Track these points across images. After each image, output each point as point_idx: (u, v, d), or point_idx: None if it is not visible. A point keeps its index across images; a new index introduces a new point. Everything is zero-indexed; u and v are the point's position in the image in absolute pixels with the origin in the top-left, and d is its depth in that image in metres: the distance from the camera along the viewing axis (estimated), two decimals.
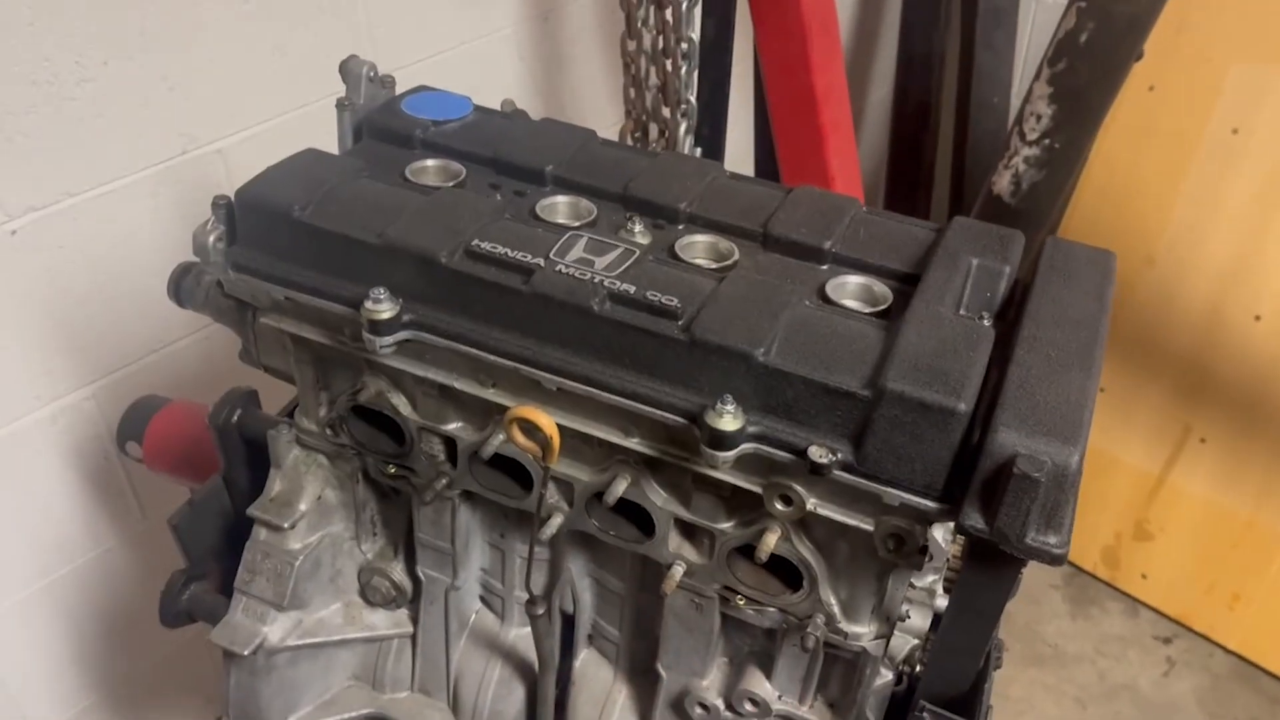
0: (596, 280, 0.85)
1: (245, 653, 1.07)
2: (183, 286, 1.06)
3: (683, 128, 1.69)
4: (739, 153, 2.22)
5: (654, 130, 1.75)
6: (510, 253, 0.87)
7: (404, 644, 1.17)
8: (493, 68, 1.95)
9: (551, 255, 0.87)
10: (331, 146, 1.06)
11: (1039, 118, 1.60)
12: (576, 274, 0.85)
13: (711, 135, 1.79)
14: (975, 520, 0.74)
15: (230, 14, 1.51)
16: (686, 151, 1.73)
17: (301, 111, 1.67)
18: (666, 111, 1.71)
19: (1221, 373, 2.45)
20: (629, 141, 1.79)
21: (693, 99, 1.68)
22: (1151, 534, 2.65)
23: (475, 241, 0.87)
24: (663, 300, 0.83)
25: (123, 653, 1.79)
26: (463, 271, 0.87)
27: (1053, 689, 2.49)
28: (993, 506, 0.73)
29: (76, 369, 1.55)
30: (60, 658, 1.72)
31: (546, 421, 0.81)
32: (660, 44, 1.68)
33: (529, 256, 0.86)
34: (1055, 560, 0.73)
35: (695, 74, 1.67)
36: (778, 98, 1.76)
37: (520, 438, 0.84)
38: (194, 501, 1.13)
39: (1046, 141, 1.61)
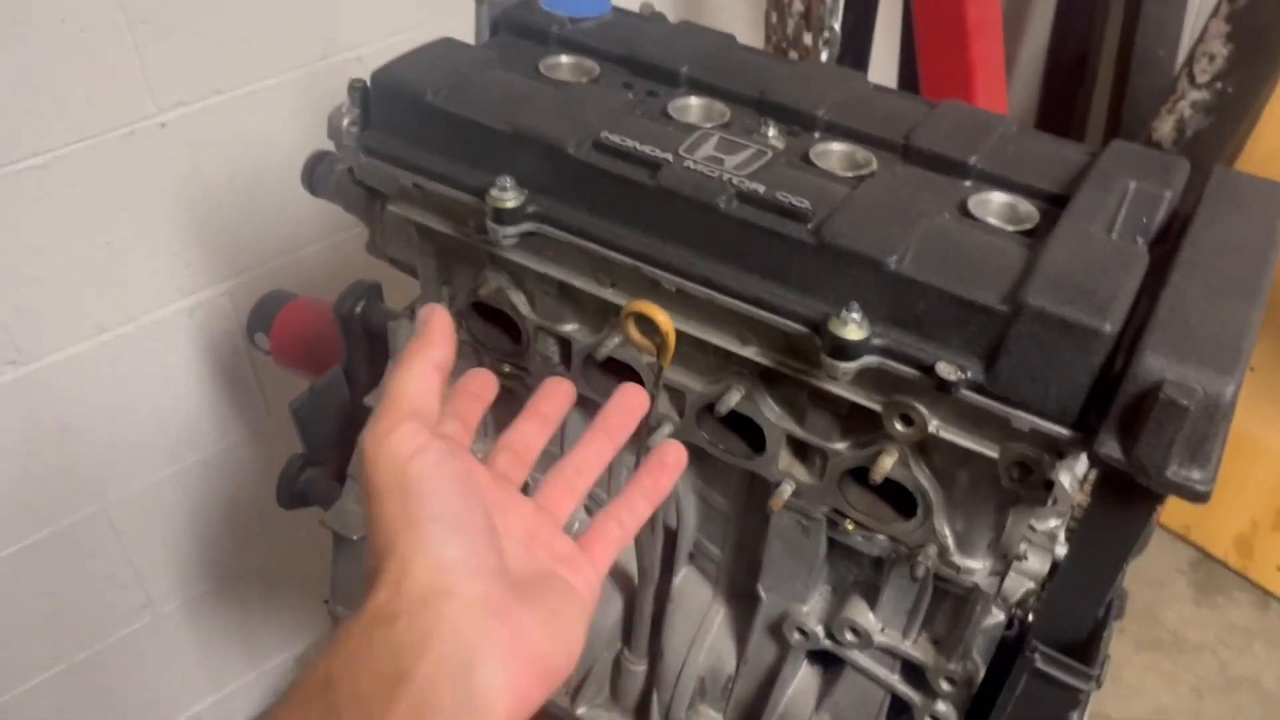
0: (725, 178, 0.82)
1: (355, 537, 1.09)
2: (316, 173, 1.07)
3: (824, 56, 1.63)
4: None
5: (794, 58, 1.70)
6: (639, 146, 0.84)
7: None
8: None
9: (680, 151, 0.85)
10: None
11: (1212, 58, 1.49)
12: (705, 170, 0.83)
13: (855, 67, 1.72)
14: (1111, 449, 0.69)
15: None
16: None
17: (439, 23, 1.67)
18: (808, 38, 1.65)
19: None
20: None
21: (837, 26, 1.61)
22: None
23: (604, 134, 0.86)
24: (793, 202, 0.80)
25: (241, 545, 1.87)
26: (589, 163, 0.85)
27: (1169, 675, 2.38)
28: (1133, 435, 0.68)
29: (215, 264, 1.60)
30: (184, 542, 1.81)
31: (663, 318, 0.79)
32: None
33: (657, 151, 0.84)
34: (1198, 497, 0.67)
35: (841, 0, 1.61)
36: (926, 26, 1.68)
37: (636, 334, 0.82)
38: (315, 388, 1.16)
39: (1218, 85, 1.49)
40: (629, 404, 0.72)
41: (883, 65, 2.02)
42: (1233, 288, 0.73)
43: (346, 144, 0.96)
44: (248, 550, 1.90)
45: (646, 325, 0.81)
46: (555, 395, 0.73)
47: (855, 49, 1.68)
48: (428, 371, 0.61)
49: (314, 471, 1.19)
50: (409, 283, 1.11)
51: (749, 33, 1.93)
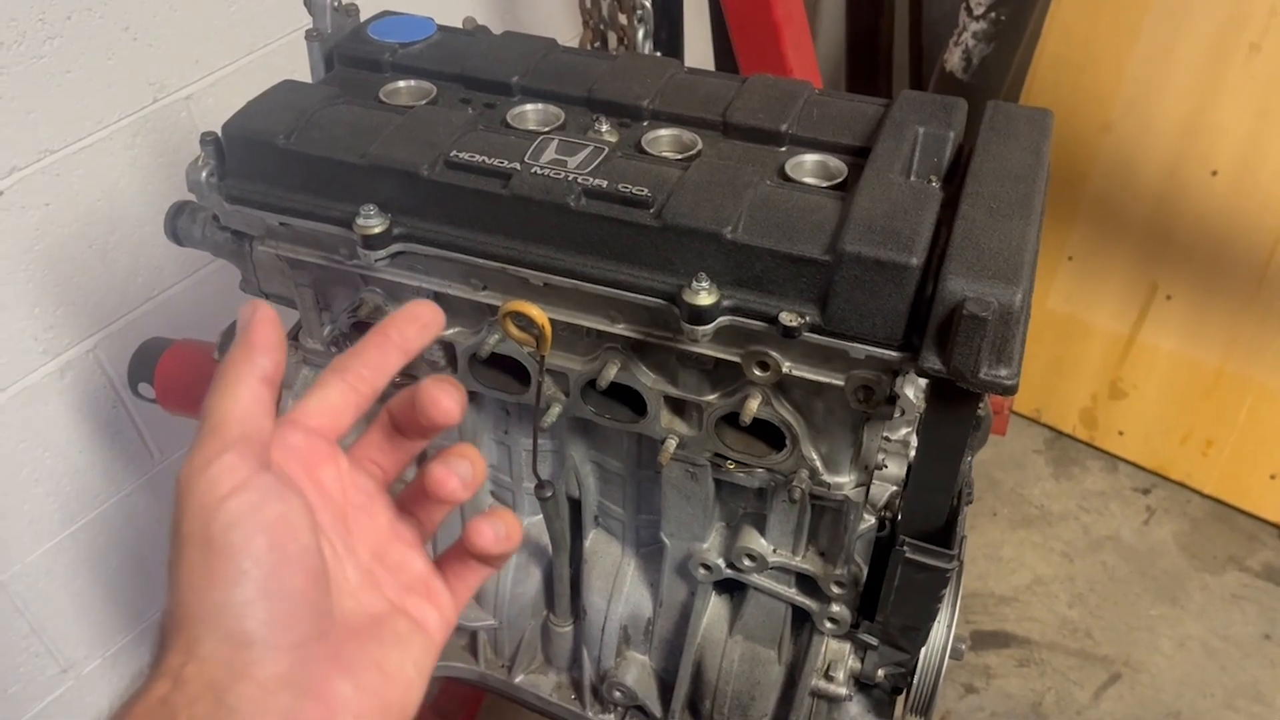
0: (570, 178, 0.91)
1: None
2: (179, 225, 1.11)
3: (640, 33, 1.72)
4: (698, 54, 2.25)
5: (613, 39, 1.78)
6: (488, 160, 0.92)
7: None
8: None
9: (526, 159, 0.93)
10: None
11: None
12: (551, 174, 0.91)
13: (670, 39, 1.82)
14: (933, 362, 0.81)
15: None
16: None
17: (263, 53, 1.70)
18: (623, 19, 1.74)
19: (1183, 230, 2.53)
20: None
21: (648, 4, 1.71)
22: (1125, 392, 2.75)
23: (454, 153, 0.93)
24: (634, 191, 0.89)
25: (151, 589, 1.88)
26: (445, 182, 0.92)
27: (1040, 546, 2.62)
28: (948, 348, 0.80)
29: (78, 322, 1.60)
30: (93, 600, 1.81)
31: (537, 312, 0.88)
32: None
33: (505, 162, 0.92)
34: (1007, 391, 0.80)
35: None
36: None
37: (514, 330, 0.90)
38: None
39: (993, 15, 1.65)
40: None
41: (697, 37, 2.12)
42: (1011, 209, 0.86)
43: (207, 194, 1.01)
44: (159, 593, 1.90)
45: (523, 320, 0.89)
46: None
47: (668, 24, 1.77)
48: (253, 386, 0.51)
49: None
50: (286, 310, 1.16)
51: (567, 20, 2.01)
